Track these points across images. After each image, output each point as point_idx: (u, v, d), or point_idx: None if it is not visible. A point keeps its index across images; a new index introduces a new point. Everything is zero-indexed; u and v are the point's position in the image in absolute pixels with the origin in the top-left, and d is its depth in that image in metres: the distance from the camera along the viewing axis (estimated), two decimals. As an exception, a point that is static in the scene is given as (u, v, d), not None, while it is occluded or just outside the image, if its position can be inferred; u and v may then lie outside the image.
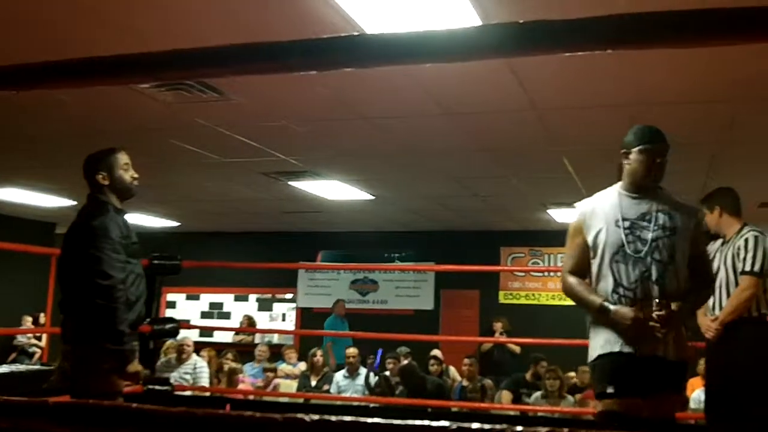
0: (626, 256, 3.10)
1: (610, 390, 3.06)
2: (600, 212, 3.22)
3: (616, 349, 3.07)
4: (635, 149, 3.22)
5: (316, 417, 0.81)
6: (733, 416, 4.18)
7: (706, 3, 0.88)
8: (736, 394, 4.14)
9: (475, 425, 0.73)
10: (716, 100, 4.76)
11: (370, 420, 0.78)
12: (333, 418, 0.81)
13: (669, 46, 0.93)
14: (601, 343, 3.13)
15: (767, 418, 4.11)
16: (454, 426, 0.74)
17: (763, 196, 7.89)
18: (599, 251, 3.16)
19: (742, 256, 4.21)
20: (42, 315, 11.62)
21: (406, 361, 7.99)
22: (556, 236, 11.54)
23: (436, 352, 8.87)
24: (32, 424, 1.01)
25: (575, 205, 3.33)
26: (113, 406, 0.97)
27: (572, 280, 3.24)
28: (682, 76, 4.33)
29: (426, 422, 0.75)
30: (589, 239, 3.19)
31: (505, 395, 7.68)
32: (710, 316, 4.27)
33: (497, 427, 0.72)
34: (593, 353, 3.17)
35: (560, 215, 9.84)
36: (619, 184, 3.30)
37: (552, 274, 11.72)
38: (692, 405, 6.49)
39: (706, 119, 5.19)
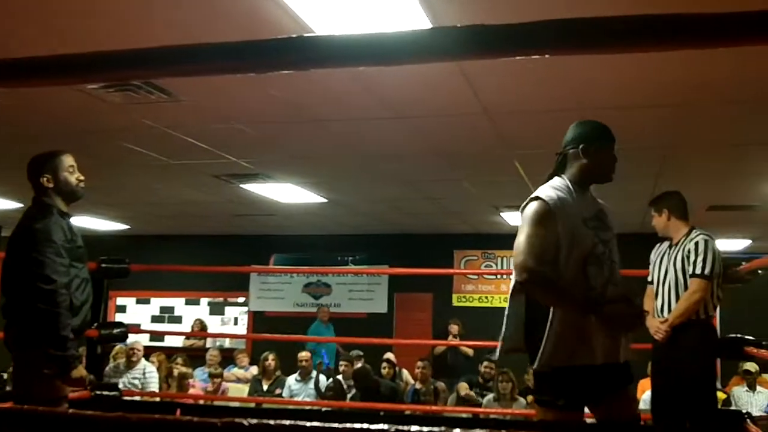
0: (597, 257, 2.91)
1: (560, 402, 2.89)
2: (566, 207, 2.92)
3: (577, 363, 2.85)
4: (601, 145, 3.05)
5: (254, 421, 0.80)
6: (678, 417, 4.26)
7: (645, 9, 0.89)
8: (682, 395, 4.22)
9: (414, 428, 0.73)
10: (663, 104, 4.84)
11: (309, 423, 0.77)
12: (272, 422, 0.80)
13: (611, 51, 0.94)
14: (562, 353, 2.85)
15: (711, 419, 4.20)
16: (393, 429, 0.74)
17: (711, 199, 8.05)
18: (567, 249, 2.87)
19: (692, 259, 4.29)
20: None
21: (359, 364, 7.99)
22: (508, 239, 11.55)
23: (389, 355, 8.88)
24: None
25: (537, 194, 2.94)
26: (49, 411, 0.94)
27: (545, 270, 2.83)
28: (630, 80, 4.40)
29: (365, 425, 0.74)
30: (560, 231, 2.87)
31: (462, 386, 7.73)
32: (660, 318, 4.34)
33: (435, 429, 0.72)
34: (549, 361, 2.85)
35: (513, 218, 9.92)
36: (567, 177, 3.06)
37: (505, 276, 11.82)
38: (642, 406, 6.59)
39: (654, 123, 5.28)
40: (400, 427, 0.73)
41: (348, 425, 0.76)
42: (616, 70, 4.21)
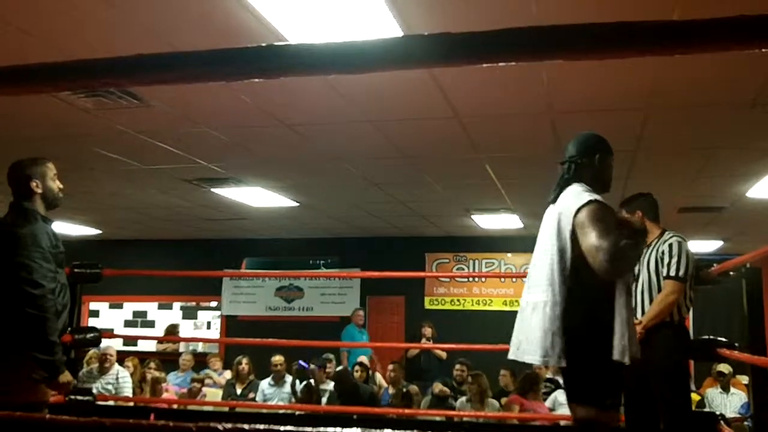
0: None
1: (608, 402, 3.00)
2: None
3: (626, 359, 2.96)
4: (608, 155, 3.34)
5: (229, 425, 0.81)
6: (652, 419, 4.30)
7: (612, 16, 0.92)
8: (655, 396, 4.26)
9: (386, 430, 0.74)
10: (631, 107, 4.92)
11: (283, 428, 0.79)
12: (246, 426, 0.82)
13: (577, 58, 0.97)
14: (619, 345, 2.96)
15: (684, 420, 4.25)
16: None
17: (681, 201, 8.16)
18: None
19: (666, 261, 4.30)
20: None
21: (341, 367, 7.98)
22: (479, 242, 11.78)
23: (362, 358, 8.89)
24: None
25: (589, 198, 3.07)
26: (27, 417, 0.95)
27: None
28: (598, 83, 4.46)
29: (338, 428, 0.76)
30: None
31: (437, 385, 7.77)
32: (634, 320, 4.36)
33: None
34: (601, 353, 2.97)
35: (483, 221, 10.00)
36: (585, 184, 3.25)
37: (476, 279, 11.89)
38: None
39: (622, 126, 5.34)
40: (370, 430, 0.75)
41: (321, 429, 0.78)
42: (585, 73, 4.27)
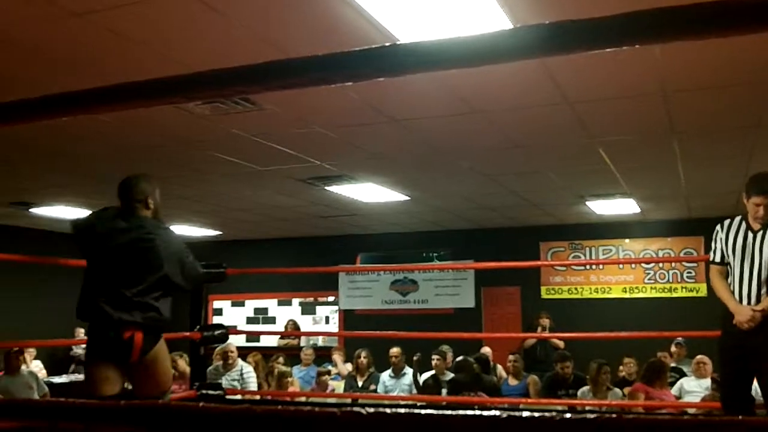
0: None
1: None
2: None
3: None
4: None
5: (371, 410, 0.86)
6: (747, 403, 4.17)
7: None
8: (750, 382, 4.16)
9: (525, 413, 0.77)
10: (750, 81, 4.71)
11: (423, 411, 0.83)
12: (388, 410, 0.86)
13: (692, 38, 0.95)
14: None
15: None
16: (504, 415, 0.78)
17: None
18: None
19: None
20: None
21: (461, 358, 7.98)
22: (595, 229, 11.54)
23: (485, 350, 8.88)
24: (104, 428, 1.08)
25: None
26: (180, 406, 1.03)
27: None
28: (714, 59, 4.30)
29: (477, 412, 0.79)
30: None
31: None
32: (752, 305, 4.17)
33: (546, 414, 0.76)
34: None
35: (599, 207, 9.78)
36: None
37: (593, 267, 11.64)
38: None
39: (737, 104, 5.14)
40: (513, 413, 0.77)
41: (460, 412, 0.82)
42: (699, 50, 4.13)
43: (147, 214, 3.86)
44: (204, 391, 5.42)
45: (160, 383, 3.86)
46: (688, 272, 10.87)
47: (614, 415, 0.77)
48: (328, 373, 8.79)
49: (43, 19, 3.58)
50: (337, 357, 9.85)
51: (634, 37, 0.97)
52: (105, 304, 3.68)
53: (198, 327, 5.53)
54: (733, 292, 4.23)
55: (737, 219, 4.34)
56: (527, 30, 0.95)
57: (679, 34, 0.94)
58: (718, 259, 4.38)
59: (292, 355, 10.12)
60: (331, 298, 13.21)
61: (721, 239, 4.37)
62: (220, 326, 5.56)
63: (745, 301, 4.18)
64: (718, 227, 4.43)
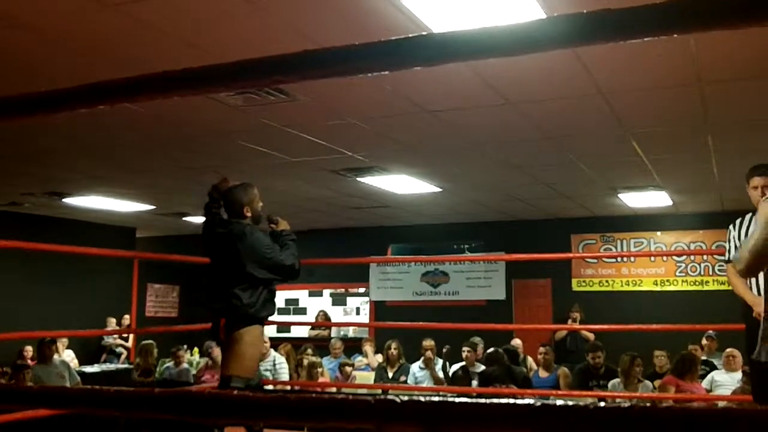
0: None
1: None
2: None
3: None
4: None
5: (405, 398, 0.87)
6: None
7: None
8: None
9: (559, 402, 0.77)
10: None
11: (457, 400, 0.83)
12: (422, 398, 0.86)
13: (730, 26, 0.94)
14: None
15: None
16: (538, 403, 0.79)
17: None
18: None
19: None
20: (126, 316, 12.03)
21: (492, 349, 7.96)
22: (627, 221, 11.44)
23: (516, 341, 8.85)
24: (139, 416, 1.09)
25: None
26: (221, 394, 1.04)
27: None
28: (747, 51, 4.24)
29: (511, 400, 0.79)
30: None
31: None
32: None
33: (580, 403, 0.76)
34: None
35: (631, 199, 9.70)
36: None
37: (625, 259, 11.55)
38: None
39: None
40: (546, 402, 0.77)
41: (494, 401, 0.82)
42: (736, 40, 4.07)
43: (242, 220, 4.49)
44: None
45: (230, 367, 4.24)
46: (719, 265, 10.72)
47: (648, 404, 0.77)
48: (352, 365, 8.81)
49: (71, 12, 3.63)
50: (368, 348, 9.89)
51: (671, 26, 0.96)
52: (209, 296, 4.48)
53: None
54: (750, 287, 4.18)
55: (748, 215, 4.32)
56: (565, 19, 0.94)
57: (717, 23, 0.93)
58: (729, 257, 4.35)
59: (322, 347, 10.17)
60: (362, 290, 13.24)
61: (734, 237, 4.34)
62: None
63: (762, 293, 4.14)
64: (731, 226, 4.42)
